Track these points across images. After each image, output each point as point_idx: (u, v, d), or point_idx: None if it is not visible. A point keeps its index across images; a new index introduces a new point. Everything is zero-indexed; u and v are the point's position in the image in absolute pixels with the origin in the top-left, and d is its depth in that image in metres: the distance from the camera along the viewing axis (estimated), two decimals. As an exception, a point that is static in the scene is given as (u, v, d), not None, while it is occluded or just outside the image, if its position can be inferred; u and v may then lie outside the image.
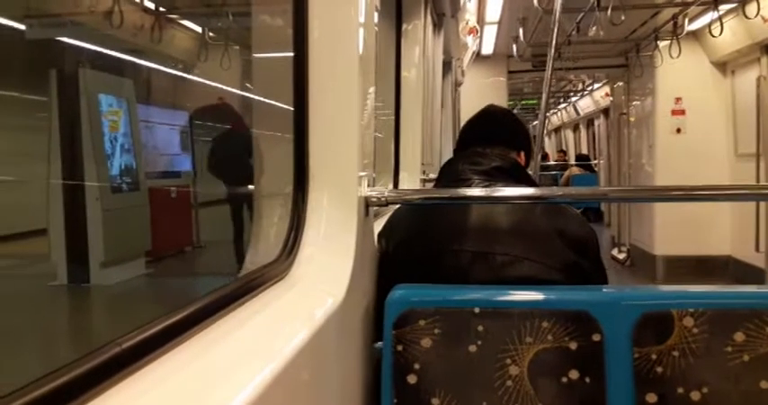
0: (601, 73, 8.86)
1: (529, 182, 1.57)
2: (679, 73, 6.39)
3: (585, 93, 11.27)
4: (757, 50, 5.45)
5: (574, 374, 1.21)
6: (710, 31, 5.03)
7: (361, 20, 1.22)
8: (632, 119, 7.88)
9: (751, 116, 5.56)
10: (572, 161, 13.74)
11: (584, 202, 1.87)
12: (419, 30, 2.74)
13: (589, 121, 12.89)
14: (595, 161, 11.97)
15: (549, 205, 1.48)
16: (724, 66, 6.38)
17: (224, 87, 10.12)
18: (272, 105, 1.40)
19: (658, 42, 6.11)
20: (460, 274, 1.39)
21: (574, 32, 5.32)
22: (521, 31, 5.95)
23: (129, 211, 6.69)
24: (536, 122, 13.75)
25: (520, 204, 1.44)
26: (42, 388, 0.53)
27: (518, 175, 1.53)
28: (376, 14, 1.42)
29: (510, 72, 7.67)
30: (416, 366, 1.25)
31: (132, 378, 0.63)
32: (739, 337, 1.17)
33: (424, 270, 1.43)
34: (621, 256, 7.76)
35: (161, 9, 8.00)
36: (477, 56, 6.60)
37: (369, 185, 1.31)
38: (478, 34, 5.46)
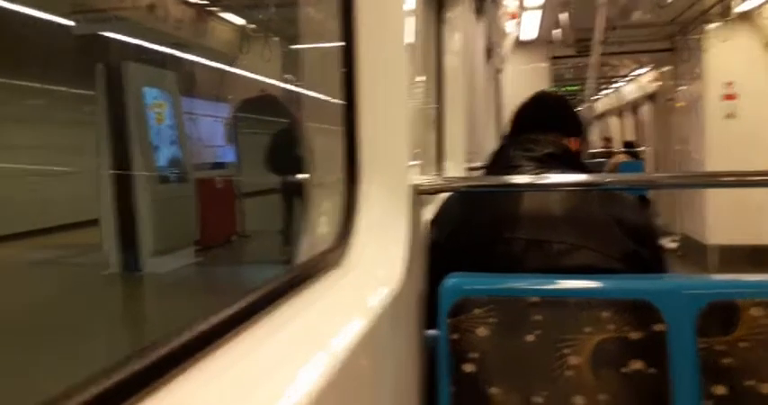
0: (646, 58, 8.61)
1: (582, 169, 1.53)
2: (729, 56, 6.16)
3: (630, 78, 10.98)
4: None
5: (636, 365, 1.19)
6: (762, 13, 4.83)
7: (408, 7, 1.20)
8: (680, 104, 7.64)
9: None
10: (617, 148, 13.42)
11: (635, 188, 1.83)
12: (460, 16, 2.70)
13: (634, 108, 12.56)
14: (641, 148, 11.68)
15: (604, 193, 1.44)
16: (777, 48, 6.12)
17: (266, 79, 10.23)
18: (322, 94, 1.40)
19: (706, 25, 5.90)
20: (514, 263, 1.37)
21: (618, 16, 5.18)
22: (563, 15, 5.82)
23: (177, 201, 6.85)
24: (580, 109, 13.45)
25: (574, 192, 1.41)
26: (107, 381, 0.53)
27: (571, 162, 1.50)
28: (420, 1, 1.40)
29: (552, 58, 7.53)
30: (473, 355, 1.24)
31: (190, 371, 0.63)
32: (811, 328, 1.12)
33: (476, 258, 1.42)
34: (672, 246, 7.56)
35: (203, 2, 8.14)
36: (518, 42, 6.49)
37: (418, 174, 1.31)
38: (519, 20, 5.36)
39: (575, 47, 7.15)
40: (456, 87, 2.62)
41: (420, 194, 1.28)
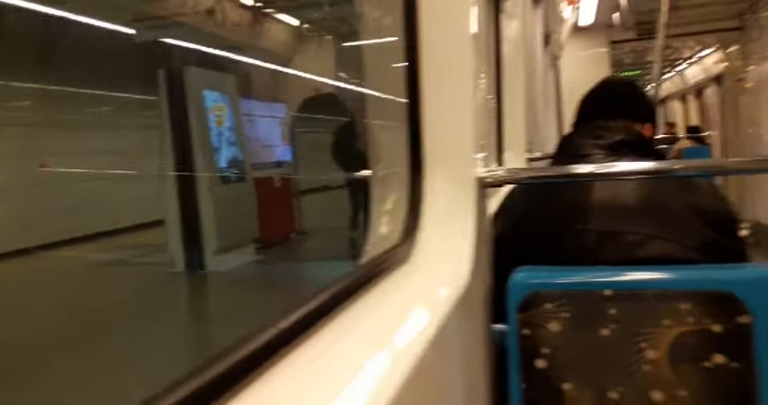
0: (711, 38, 8.22)
1: (656, 155, 1.46)
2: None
3: (693, 60, 10.51)
4: None
5: (719, 359, 1.13)
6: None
7: None
8: (749, 85, 7.25)
9: None
10: (681, 134, 12.88)
11: (707, 174, 1.73)
12: (518, 3, 2.64)
13: (698, 91, 12.02)
14: (707, 133, 11.17)
15: (680, 180, 1.38)
16: None
17: (320, 78, 10.34)
18: (383, 89, 1.39)
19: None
20: (585, 255, 1.33)
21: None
22: (623, -2, 5.62)
23: (237, 200, 7.02)
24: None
25: (648, 180, 1.35)
26: (189, 384, 0.54)
27: (644, 149, 1.44)
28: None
29: (611, 42, 7.28)
30: (545, 351, 1.21)
31: (264, 374, 0.63)
32: None
33: (544, 251, 1.38)
34: (744, 233, 7.19)
35: (258, 4, 8.29)
36: (575, 28, 6.30)
37: (483, 166, 1.28)
38: (578, 5, 5.21)
39: (635, 30, 6.90)
40: (514, 76, 2.56)
41: (485, 187, 1.26)
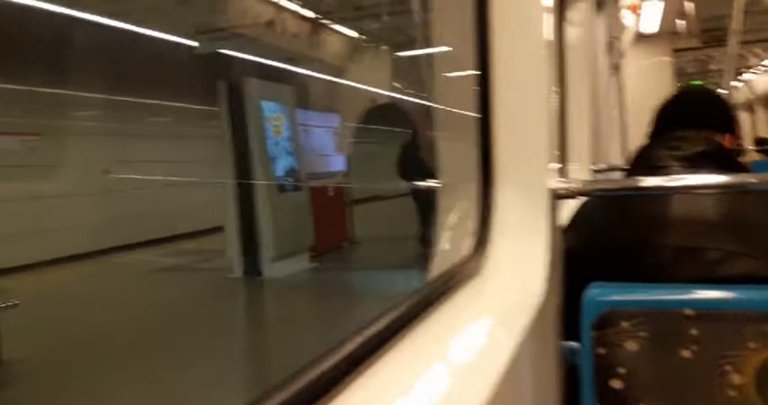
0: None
1: (737, 168, 1.39)
2: None
3: (761, 68, 10.06)
4: None
5: (813, 387, 1.05)
6: None
7: (547, 4, 1.15)
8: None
9: None
10: (748, 146, 12.34)
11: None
12: (582, 10, 2.58)
13: (767, 101, 11.51)
14: (777, 145, 10.65)
15: (764, 194, 1.30)
16: None
17: (375, 89, 10.41)
18: (449, 99, 1.37)
19: None
20: (660, 272, 1.27)
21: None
22: (689, 4, 5.43)
23: (293, 209, 7.13)
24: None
25: (731, 193, 1.28)
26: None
27: (724, 161, 1.36)
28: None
29: (674, 50, 7.04)
30: (621, 371, 1.16)
31: (336, 396, 0.60)
32: None
33: (617, 267, 1.33)
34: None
35: (316, 16, 8.44)
36: (638, 35, 6.13)
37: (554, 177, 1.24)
38: (640, 11, 5.06)
39: (700, 38, 6.67)
40: (579, 85, 2.50)
41: (558, 199, 1.22)
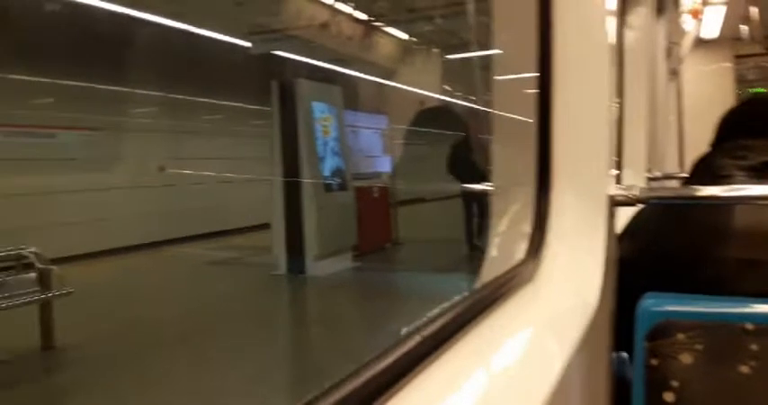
0: None
1: None
2: None
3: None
4: None
5: None
6: None
7: (610, 7, 1.13)
8: None
9: None
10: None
11: None
12: (642, 14, 2.53)
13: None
14: None
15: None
16: None
17: (425, 92, 10.41)
18: (504, 102, 1.37)
19: None
20: (720, 284, 1.23)
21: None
22: (754, 9, 5.22)
23: (338, 208, 7.19)
24: None
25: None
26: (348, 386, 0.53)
27: None
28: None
29: (736, 56, 6.79)
30: (674, 384, 1.13)
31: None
32: None
33: (674, 277, 1.29)
34: None
35: (369, 18, 8.50)
36: (698, 40, 5.94)
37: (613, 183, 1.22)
38: (701, 16, 4.90)
39: (764, 44, 6.40)
40: (637, 90, 2.45)
41: (616, 205, 1.20)
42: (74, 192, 8.05)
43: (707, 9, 5.03)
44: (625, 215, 1.56)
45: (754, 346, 1.09)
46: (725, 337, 1.11)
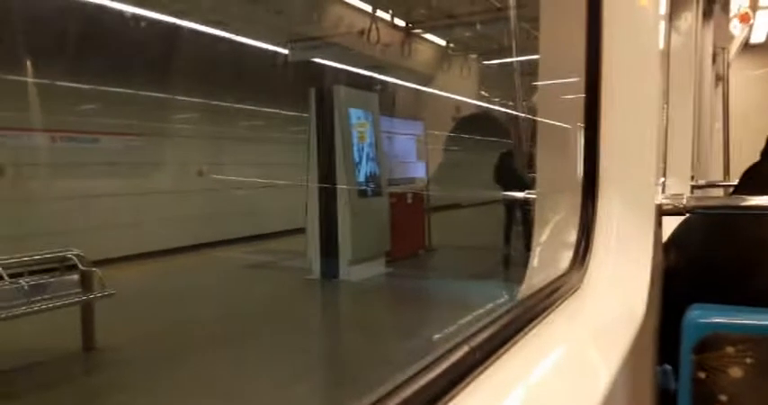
0: None
1: None
2: None
3: None
4: None
5: None
6: None
7: (662, 12, 1.11)
8: None
9: None
10: None
11: None
12: (690, 20, 2.47)
13: None
14: None
15: None
16: None
17: (462, 98, 10.37)
18: (549, 109, 1.35)
19: None
20: None
21: None
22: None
23: (373, 214, 7.20)
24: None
25: None
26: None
27: None
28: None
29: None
30: (722, 398, 1.10)
31: None
32: None
33: (721, 288, 1.26)
34: None
35: (408, 25, 8.54)
36: (746, 45, 5.78)
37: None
38: (751, 21, 4.77)
39: (815, 48, 6.19)
40: (682, 96, 2.39)
41: (663, 215, 1.17)
42: (114, 195, 8.26)
43: (758, 13, 4.89)
44: (670, 224, 1.53)
45: (808, 362, 1.05)
46: (778, 351, 1.08)
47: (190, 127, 9.84)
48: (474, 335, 0.70)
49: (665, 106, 2.38)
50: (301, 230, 7.25)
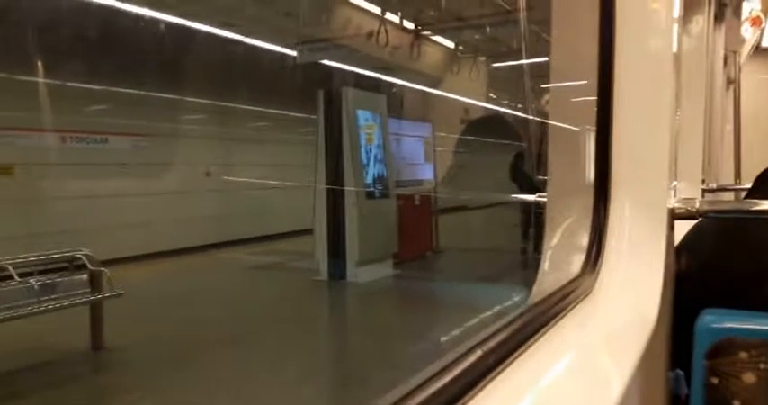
0: None
1: None
2: None
3: None
4: None
5: None
6: None
7: (675, 14, 1.10)
8: None
9: None
10: None
11: None
12: (701, 23, 2.46)
13: None
14: None
15: None
16: None
17: (470, 100, 10.35)
18: (560, 112, 1.35)
19: None
20: None
21: None
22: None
23: (380, 215, 7.20)
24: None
25: None
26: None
27: None
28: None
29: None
30: (736, 404, 1.09)
31: None
32: None
33: (734, 293, 1.25)
34: None
35: (416, 27, 8.55)
36: (758, 48, 5.74)
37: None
38: (762, 25, 4.74)
39: (827, 51, 6.14)
40: (692, 100, 2.38)
41: (676, 219, 1.17)
42: (122, 196, 8.29)
43: None
44: (681, 228, 1.52)
45: (823, 369, 1.04)
46: (792, 357, 1.07)
47: (197, 128, 9.88)
48: (487, 339, 0.70)
49: (676, 109, 2.36)
50: (309, 232, 7.26)
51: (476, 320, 4.51)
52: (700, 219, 1.20)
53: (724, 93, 4.16)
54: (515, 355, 0.74)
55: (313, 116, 7.09)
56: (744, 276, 1.26)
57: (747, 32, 4.45)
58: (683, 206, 1.17)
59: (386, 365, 3.75)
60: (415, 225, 8.20)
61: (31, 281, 4.06)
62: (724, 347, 1.11)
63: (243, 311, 5.49)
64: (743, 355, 1.10)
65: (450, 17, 8.55)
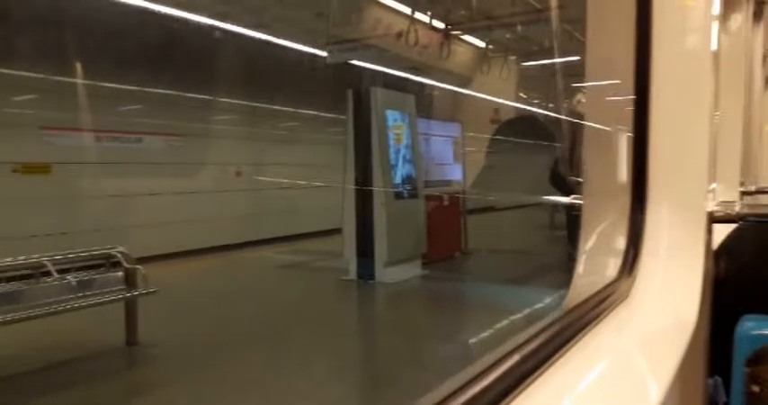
0: None
1: None
2: None
3: None
4: None
5: None
6: None
7: (714, 12, 1.08)
8: None
9: None
10: None
11: None
12: (739, 21, 2.40)
13: None
14: None
15: None
16: None
17: (500, 100, 10.27)
18: (595, 113, 1.32)
19: None
20: None
21: None
22: None
23: (409, 216, 7.19)
24: None
25: None
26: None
27: None
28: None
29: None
30: (778, 413, 1.06)
31: None
32: None
33: (775, 299, 1.21)
34: None
35: (446, 26, 8.53)
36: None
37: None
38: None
39: None
40: (731, 100, 2.32)
41: (714, 222, 1.14)
42: (154, 194, 8.45)
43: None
44: (719, 231, 1.48)
45: None
46: (837, 366, 1.03)
47: (228, 128, 10.01)
48: (524, 344, 0.70)
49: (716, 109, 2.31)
50: (337, 231, 7.29)
51: (505, 323, 4.48)
52: (739, 222, 1.17)
53: (763, 92, 4.05)
54: (552, 359, 0.73)
55: (342, 116, 7.12)
56: (785, 282, 1.23)
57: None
58: (722, 209, 1.15)
59: (416, 366, 3.75)
60: (444, 226, 8.16)
61: (69, 278, 4.16)
62: (765, 355, 1.08)
63: (272, 310, 5.54)
64: (785, 362, 1.07)
65: (480, 16, 8.50)
